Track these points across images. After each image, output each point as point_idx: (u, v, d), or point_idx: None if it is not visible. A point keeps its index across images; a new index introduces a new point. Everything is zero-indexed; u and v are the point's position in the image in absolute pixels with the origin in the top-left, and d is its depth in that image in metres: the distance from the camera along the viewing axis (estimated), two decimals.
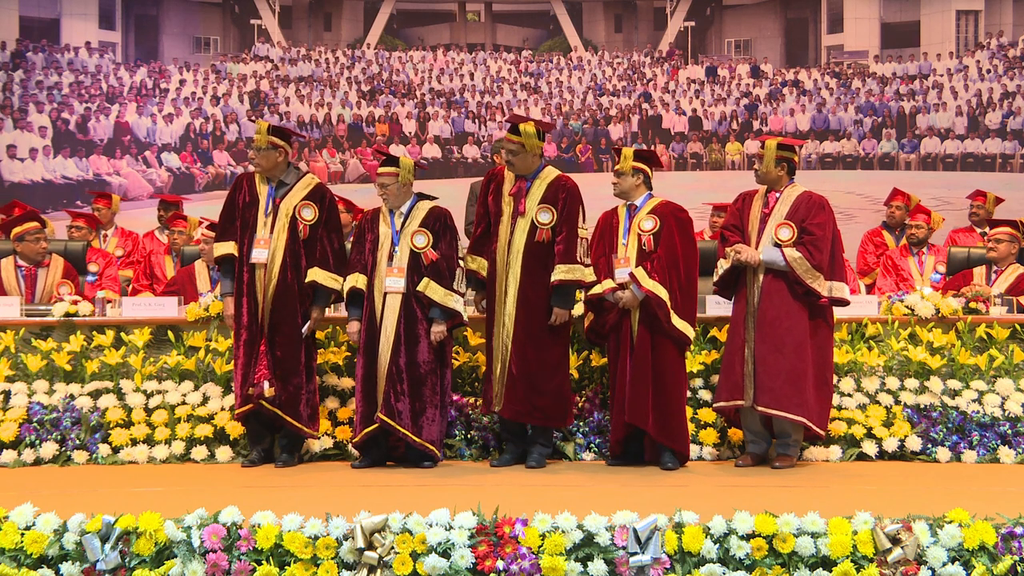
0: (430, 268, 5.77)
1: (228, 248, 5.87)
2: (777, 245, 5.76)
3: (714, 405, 5.95)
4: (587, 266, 5.79)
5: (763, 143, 5.91)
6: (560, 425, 5.94)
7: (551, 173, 5.88)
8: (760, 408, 5.69)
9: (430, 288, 5.73)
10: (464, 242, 6.36)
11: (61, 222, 9.50)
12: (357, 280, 5.79)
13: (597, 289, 5.82)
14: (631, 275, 5.73)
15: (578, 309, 6.13)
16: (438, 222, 5.86)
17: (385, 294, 5.74)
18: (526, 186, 5.82)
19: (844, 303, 5.89)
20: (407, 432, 5.65)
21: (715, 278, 6.00)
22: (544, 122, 5.94)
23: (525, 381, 5.70)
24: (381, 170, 5.85)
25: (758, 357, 5.72)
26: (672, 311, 5.67)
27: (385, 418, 5.64)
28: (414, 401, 5.67)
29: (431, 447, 5.72)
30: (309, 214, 5.85)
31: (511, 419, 5.78)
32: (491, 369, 5.82)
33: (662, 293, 5.66)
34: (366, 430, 5.70)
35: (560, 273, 5.72)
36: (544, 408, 5.75)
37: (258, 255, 5.79)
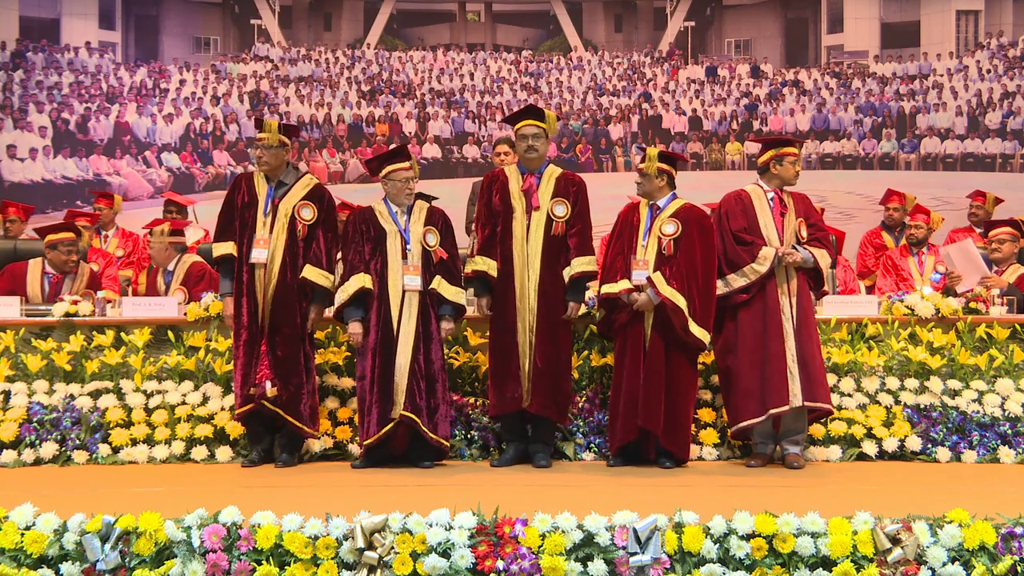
0: (440, 266, 5.80)
1: (227, 248, 5.87)
2: (797, 244, 5.84)
3: (771, 412, 5.68)
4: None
5: (799, 144, 6.01)
6: (563, 422, 5.99)
7: (555, 169, 5.97)
8: (819, 404, 5.72)
9: (443, 286, 5.77)
10: (463, 241, 6.36)
11: None
12: (364, 280, 5.76)
13: (613, 288, 5.81)
14: (649, 279, 5.71)
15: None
16: (441, 220, 5.91)
17: (404, 292, 5.74)
18: (536, 182, 5.86)
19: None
20: (427, 430, 5.68)
21: (737, 285, 5.80)
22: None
23: (548, 375, 5.77)
24: (400, 165, 5.82)
25: (807, 355, 5.73)
26: (689, 318, 5.65)
27: (411, 415, 5.65)
28: (430, 398, 5.72)
29: (446, 443, 5.78)
30: (308, 214, 5.85)
31: (538, 414, 5.80)
32: (510, 367, 5.79)
33: (679, 301, 5.64)
34: (384, 429, 5.68)
35: (580, 265, 5.79)
36: (560, 403, 5.85)
37: (257, 255, 5.80)
